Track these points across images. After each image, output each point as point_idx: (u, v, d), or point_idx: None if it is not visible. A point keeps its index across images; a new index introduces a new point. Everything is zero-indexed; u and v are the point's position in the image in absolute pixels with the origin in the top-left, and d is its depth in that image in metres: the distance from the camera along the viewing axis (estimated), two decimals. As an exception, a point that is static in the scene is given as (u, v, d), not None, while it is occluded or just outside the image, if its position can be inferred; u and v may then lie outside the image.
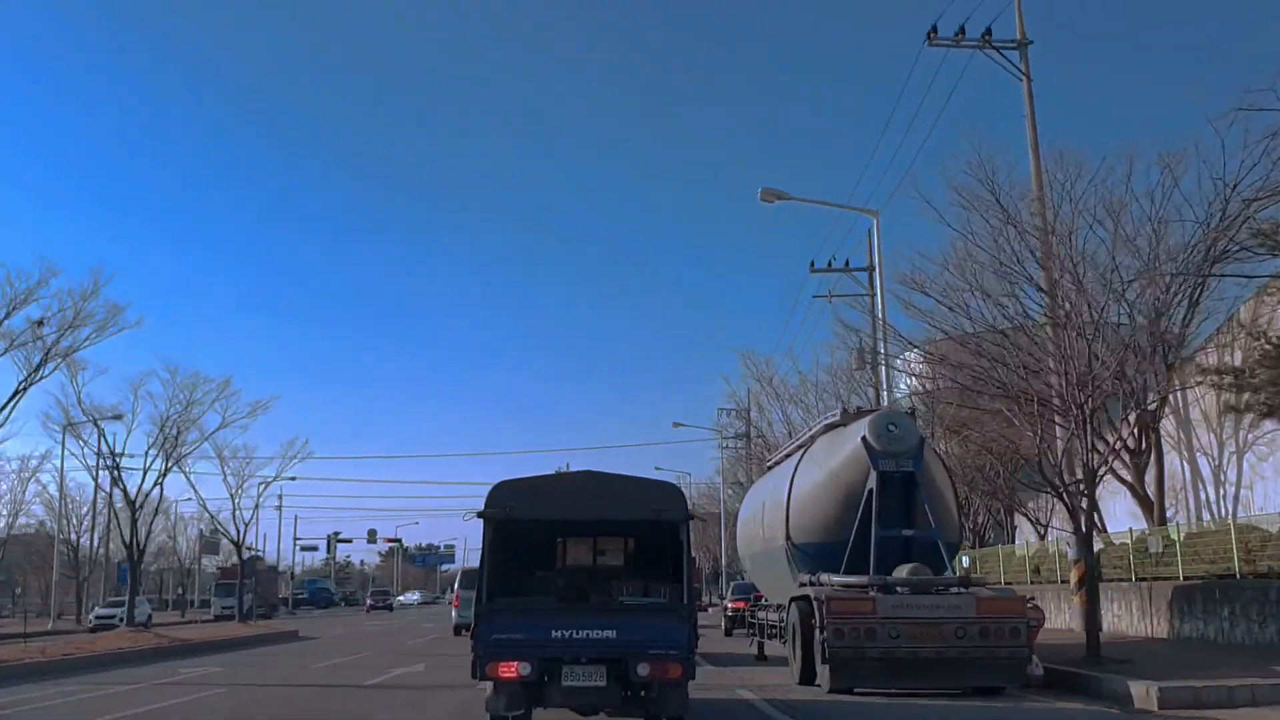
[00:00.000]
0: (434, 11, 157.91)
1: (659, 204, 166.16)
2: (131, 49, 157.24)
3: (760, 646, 19.61)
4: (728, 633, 29.98)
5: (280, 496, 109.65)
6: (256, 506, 43.28)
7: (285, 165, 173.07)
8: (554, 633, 8.93)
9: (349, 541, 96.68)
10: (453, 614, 30.66)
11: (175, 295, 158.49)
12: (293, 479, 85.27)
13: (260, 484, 44.57)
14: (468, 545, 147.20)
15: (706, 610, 58.84)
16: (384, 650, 25.35)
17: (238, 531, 44.72)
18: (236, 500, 43.43)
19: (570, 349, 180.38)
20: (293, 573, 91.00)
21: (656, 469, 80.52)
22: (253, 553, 52.12)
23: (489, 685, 9.06)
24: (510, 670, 8.77)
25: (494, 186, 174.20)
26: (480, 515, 9.41)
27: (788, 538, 15.10)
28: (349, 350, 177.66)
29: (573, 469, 10.74)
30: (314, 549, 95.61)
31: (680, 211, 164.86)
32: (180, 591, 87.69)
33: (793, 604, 14.48)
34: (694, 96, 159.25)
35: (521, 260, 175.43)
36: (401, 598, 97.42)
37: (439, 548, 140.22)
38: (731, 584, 33.25)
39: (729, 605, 30.14)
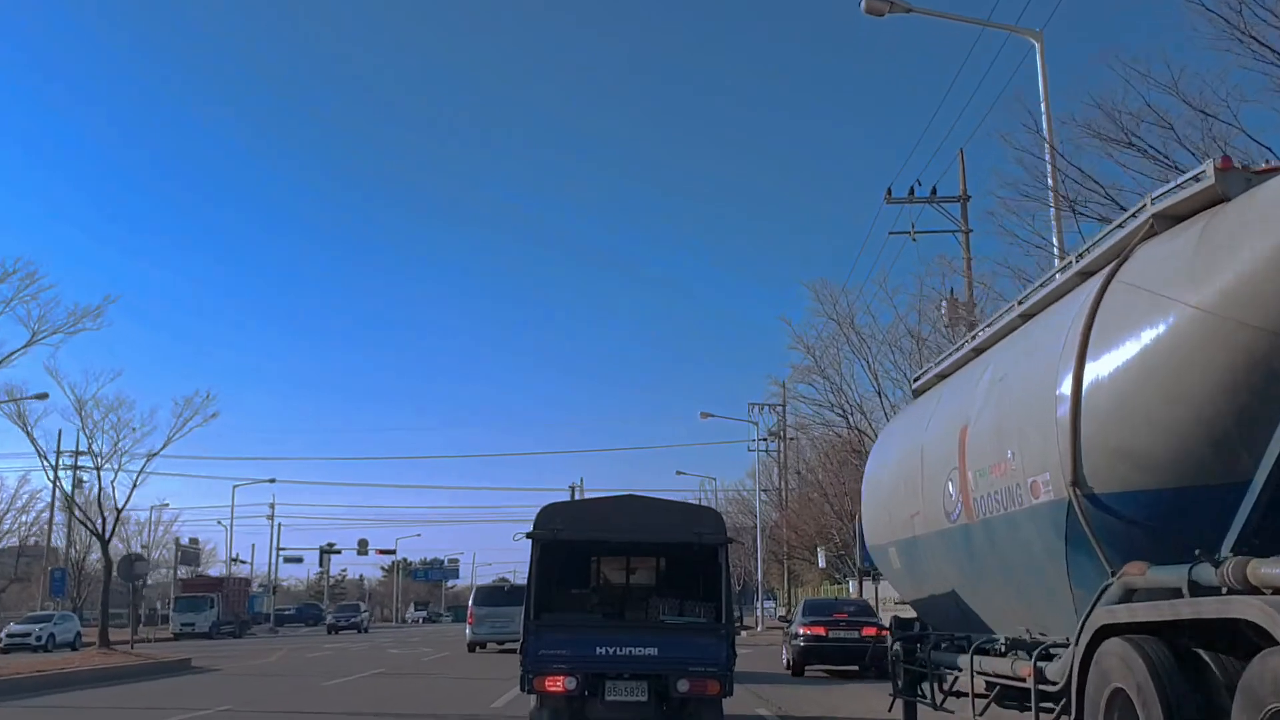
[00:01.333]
0: (442, 23, 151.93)
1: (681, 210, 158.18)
2: (141, 51, 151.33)
3: (911, 711, 10.89)
4: (798, 670, 21.21)
5: (272, 506, 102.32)
6: (135, 485, 31.31)
7: (289, 173, 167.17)
8: (598, 649, 9.26)
9: (338, 552, 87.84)
10: (467, 630, 29.81)
11: (168, 298, 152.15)
12: (271, 480, 77.69)
13: (149, 453, 31.58)
14: (476, 560, 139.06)
15: (740, 634, 50.10)
16: (262, 703, 16.58)
17: (104, 520, 31.14)
18: (111, 471, 30.77)
19: (583, 358, 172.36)
20: (275, 586, 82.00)
21: (678, 473, 72.51)
22: (137, 553, 41.86)
23: (534, 698, 9.46)
24: (557, 684, 9.09)
25: (498, 195, 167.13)
26: (530, 536, 9.80)
27: (1075, 482, 6.29)
28: (350, 360, 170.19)
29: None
30: (298, 560, 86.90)
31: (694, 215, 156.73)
32: (156, 605, 79.18)
33: (1108, 643, 5.73)
34: (705, 94, 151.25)
35: (531, 271, 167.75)
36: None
37: (443, 562, 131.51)
38: (801, 602, 23.70)
39: (801, 630, 21.18)
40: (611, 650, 9.28)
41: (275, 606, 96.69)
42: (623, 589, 11.87)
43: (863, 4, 16.48)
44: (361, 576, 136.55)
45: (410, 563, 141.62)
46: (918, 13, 16.74)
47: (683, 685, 9.10)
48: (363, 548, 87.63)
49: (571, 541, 10.20)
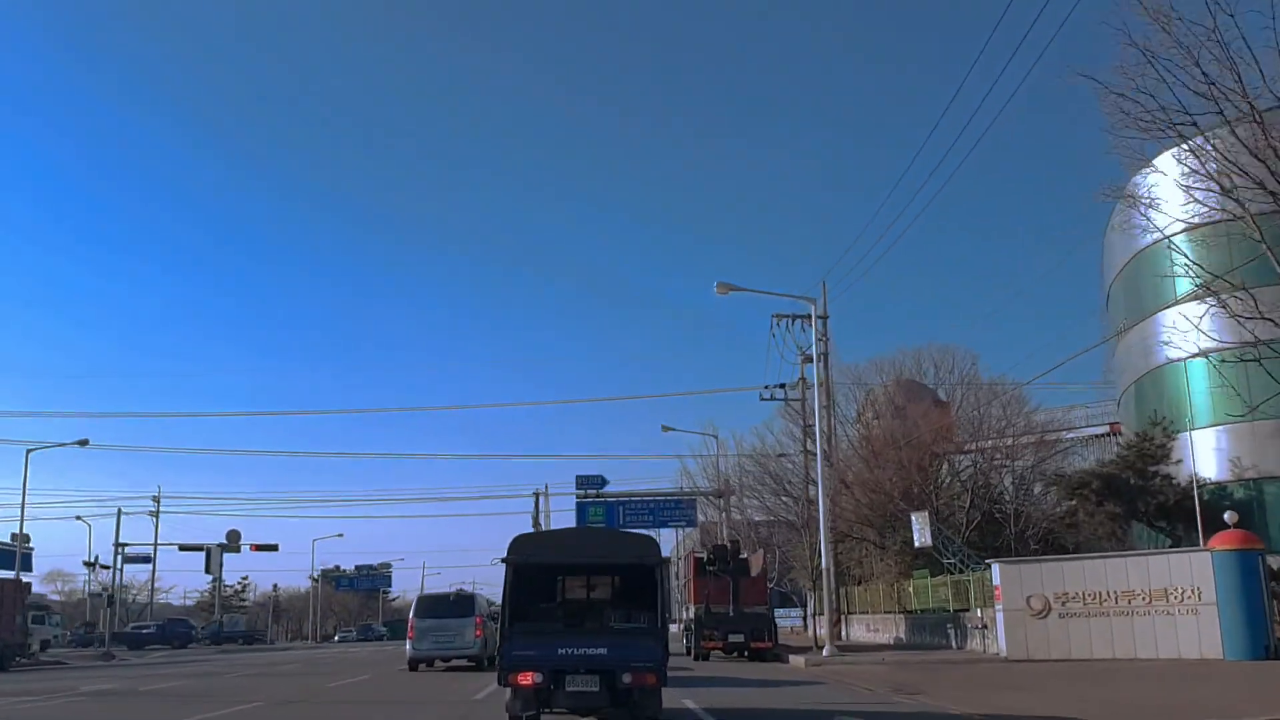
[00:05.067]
0: (404, 35, 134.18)
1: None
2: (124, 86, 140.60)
3: None
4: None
5: (157, 500, 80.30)
6: None
7: (245, 190, 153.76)
8: (559, 650, 11.12)
9: (198, 549, 65.89)
10: (408, 646, 26.53)
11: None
12: (81, 443, 55.45)
13: None
14: (426, 569, 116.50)
15: (786, 660, 29.74)
16: None
17: None
18: None
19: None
20: (112, 595, 59.94)
21: (664, 429, 52.06)
22: None
23: (509, 691, 11.24)
24: (526, 679, 10.93)
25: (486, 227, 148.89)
26: (504, 561, 11.62)
27: None
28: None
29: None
30: (144, 560, 64.85)
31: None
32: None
33: None
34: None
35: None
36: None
37: (373, 567, 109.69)
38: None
39: None
40: (570, 651, 11.06)
41: (134, 623, 74.96)
42: (584, 602, 13.55)
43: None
44: (275, 586, 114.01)
45: (341, 569, 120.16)
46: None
47: (627, 678, 10.86)
48: (233, 541, 65.82)
49: (540, 565, 12.09)
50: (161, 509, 77.36)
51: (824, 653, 28.02)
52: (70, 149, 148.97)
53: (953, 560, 30.67)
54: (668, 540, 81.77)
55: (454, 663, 26.99)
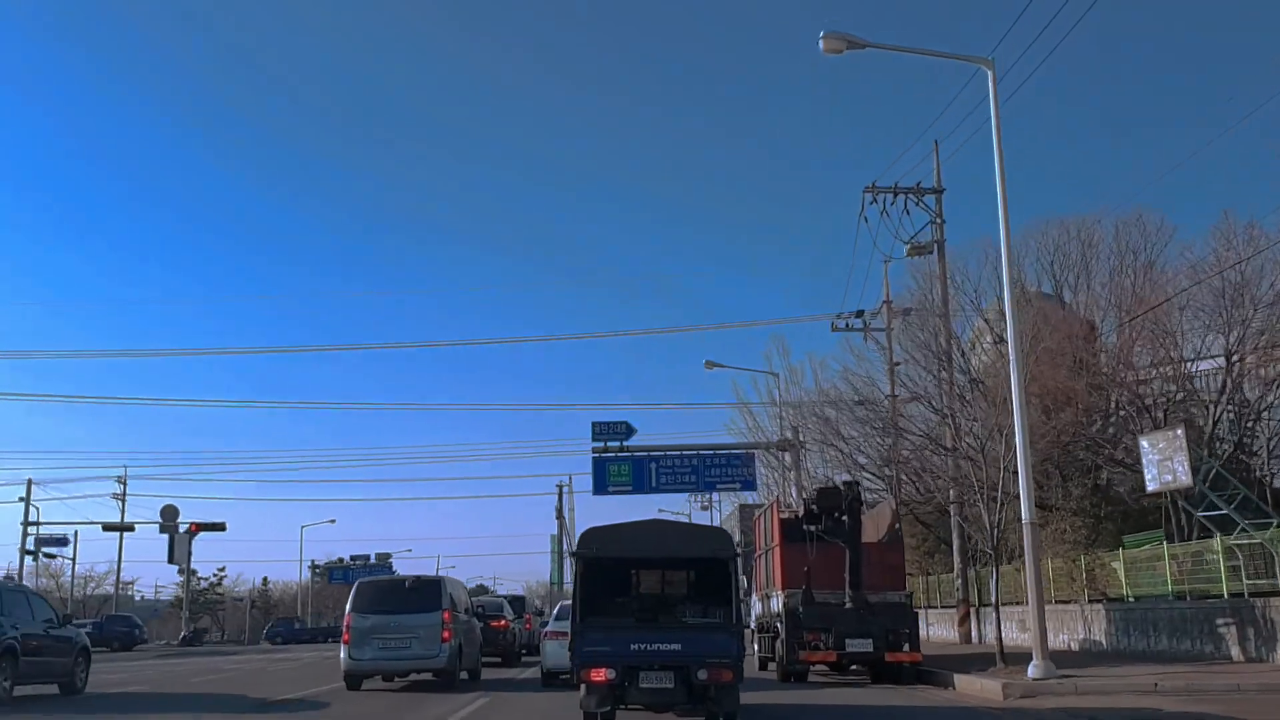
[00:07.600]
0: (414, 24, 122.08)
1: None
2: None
3: None
4: None
5: (123, 481, 68.63)
6: None
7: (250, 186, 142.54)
8: (632, 645, 10.99)
9: (129, 529, 54.10)
10: (342, 654, 19.23)
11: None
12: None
13: None
14: (440, 560, 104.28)
15: (949, 685, 17.39)
16: None
17: None
18: None
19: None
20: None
21: (707, 365, 39.90)
22: None
23: (582, 686, 11.13)
24: (600, 675, 10.84)
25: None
26: (573, 555, 12.15)
27: None
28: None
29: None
30: (61, 541, 53.27)
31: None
32: None
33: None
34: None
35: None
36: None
37: (369, 558, 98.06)
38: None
39: None
40: (643, 646, 10.93)
41: (75, 622, 63.47)
42: (658, 595, 13.36)
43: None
44: (265, 579, 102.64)
45: (344, 561, 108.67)
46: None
47: (702, 674, 10.73)
48: (168, 519, 53.93)
49: (609, 559, 11.88)
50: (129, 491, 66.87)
51: (1031, 672, 15.61)
52: (66, 135, 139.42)
53: (1219, 513, 18.21)
54: (701, 518, 69.49)
55: (413, 678, 20.06)
